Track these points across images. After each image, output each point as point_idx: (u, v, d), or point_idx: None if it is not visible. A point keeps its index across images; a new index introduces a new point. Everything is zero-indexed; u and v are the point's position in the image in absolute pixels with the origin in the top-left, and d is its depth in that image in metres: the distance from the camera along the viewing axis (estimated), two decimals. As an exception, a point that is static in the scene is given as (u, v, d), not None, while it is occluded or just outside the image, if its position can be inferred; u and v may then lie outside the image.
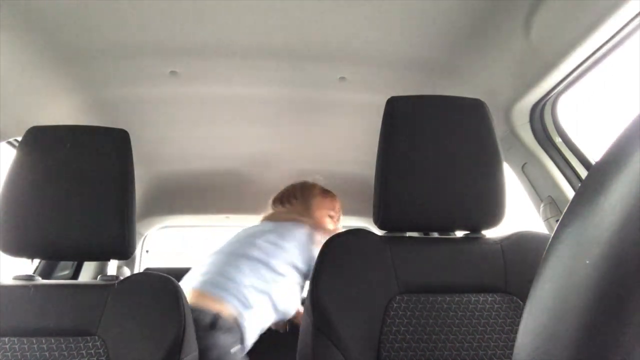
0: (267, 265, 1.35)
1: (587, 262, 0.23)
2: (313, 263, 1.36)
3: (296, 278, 1.41)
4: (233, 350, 1.23)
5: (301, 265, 1.41)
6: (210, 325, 1.20)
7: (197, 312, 1.16)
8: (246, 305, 1.27)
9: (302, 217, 1.54)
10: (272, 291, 1.34)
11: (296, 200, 1.63)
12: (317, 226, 1.53)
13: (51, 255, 0.89)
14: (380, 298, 0.82)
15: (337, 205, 1.68)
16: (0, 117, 1.13)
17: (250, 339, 1.31)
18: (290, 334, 1.56)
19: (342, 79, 1.34)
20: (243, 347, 1.28)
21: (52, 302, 0.82)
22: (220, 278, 1.30)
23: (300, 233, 1.46)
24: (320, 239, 1.40)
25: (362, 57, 1.23)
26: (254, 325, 1.30)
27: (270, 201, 1.65)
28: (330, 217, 1.63)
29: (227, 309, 1.24)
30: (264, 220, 1.58)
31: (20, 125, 1.06)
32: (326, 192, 1.68)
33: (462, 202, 0.86)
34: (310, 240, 1.45)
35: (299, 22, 1.08)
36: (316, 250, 1.38)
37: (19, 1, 0.95)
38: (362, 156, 1.79)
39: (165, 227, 2.35)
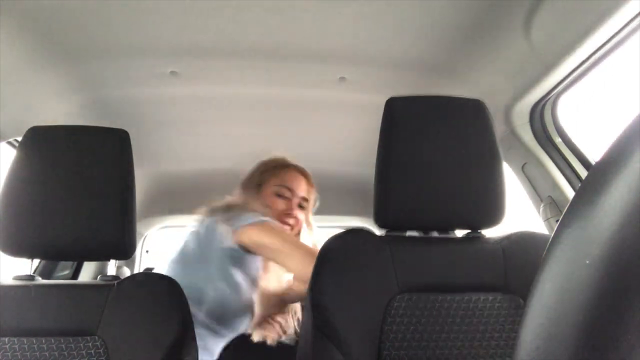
0: (194, 286, 1.09)
1: (587, 262, 0.23)
2: (225, 245, 1.12)
3: (225, 284, 1.17)
4: None
5: (216, 265, 1.16)
6: None
7: None
8: None
9: (248, 201, 1.27)
10: (201, 317, 1.13)
11: (242, 183, 1.37)
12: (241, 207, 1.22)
13: (51, 255, 0.89)
14: (380, 298, 0.82)
15: (293, 180, 1.32)
16: (0, 117, 1.13)
17: None
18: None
19: (342, 79, 1.34)
20: None
21: (52, 302, 0.82)
22: None
23: (202, 234, 1.21)
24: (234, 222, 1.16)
25: (362, 57, 1.23)
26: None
27: None
28: (280, 195, 1.29)
29: None
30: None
31: (20, 125, 1.06)
32: (280, 166, 1.36)
33: (462, 202, 0.86)
34: (208, 229, 1.19)
35: (298, 22, 1.08)
36: (223, 231, 1.13)
37: (19, 1, 0.95)
38: (362, 156, 1.79)
39: (165, 227, 2.35)
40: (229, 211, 1.21)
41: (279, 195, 1.30)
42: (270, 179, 1.33)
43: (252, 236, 1.14)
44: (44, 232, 0.82)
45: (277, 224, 1.21)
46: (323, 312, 0.80)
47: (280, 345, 1.26)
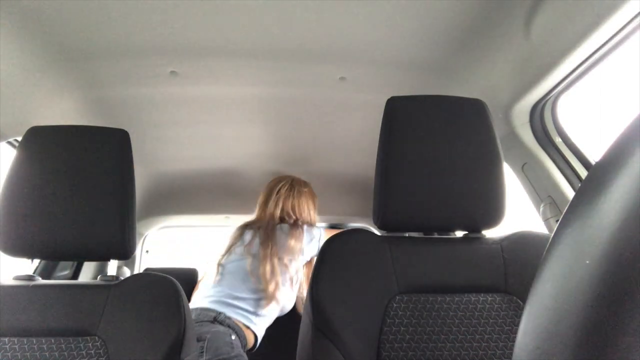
0: None
1: (587, 262, 0.23)
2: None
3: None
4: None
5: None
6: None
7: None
8: None
9: None
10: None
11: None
12: None
13: (51, 255, 0.89)
14: (380, 298, 0.82)
15: None
16: (0, 117, 1.13)
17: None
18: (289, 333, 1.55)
19: (342, 79, 1.33)
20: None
21: (52, 302, 0.82)
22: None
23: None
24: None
25: (362, 57, 1.23)
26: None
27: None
28: None
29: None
30: None
31: (20, 125, 1.06)
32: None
33: (462, 202, 0.86)
34: None
35: (298, 22, 1.08)
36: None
37: (19, 1, 0.95)
38: (362, 156, 1.79)
39: (165, 227, 2.35)
40: None
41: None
42: (315, 211, 1.82)
43: None
44: (44, 232, 0.83)
45: None
46: (323, 312, 0.80)
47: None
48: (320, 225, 2.12)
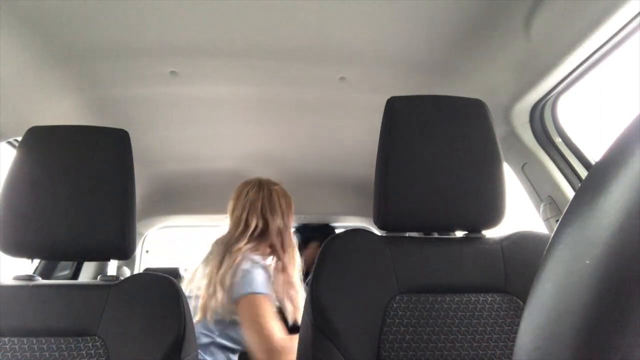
0: None
1: (587, 262, 0.23)
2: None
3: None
4: None
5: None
6: None
7: None
8: None
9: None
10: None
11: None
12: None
13: (51, 255, 0.89)
14: (380, 298, 0.82)
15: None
16: (0, 117, 1.14)
17: None
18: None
19: (342, 79, 1.34)
20: None
21: (52, 302, 0.82)
22: None
23: None
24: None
25: (362, 57, 1.23)
26: None
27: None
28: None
29: None
30: None
31: (20, 125, 1.06)
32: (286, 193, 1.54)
33: (462, 202, 0.86)
34: None
35: (298, 22, 1.08)
36: None
37: (19, 1, 0.95)
38: (362, 156, 1.79)
39: (165, 227, 2.35)
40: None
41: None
42: (290, 213, 1.52)
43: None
44: (44, 232, 0.83)
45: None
46: (323, 312, 0.80)
47: None
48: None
